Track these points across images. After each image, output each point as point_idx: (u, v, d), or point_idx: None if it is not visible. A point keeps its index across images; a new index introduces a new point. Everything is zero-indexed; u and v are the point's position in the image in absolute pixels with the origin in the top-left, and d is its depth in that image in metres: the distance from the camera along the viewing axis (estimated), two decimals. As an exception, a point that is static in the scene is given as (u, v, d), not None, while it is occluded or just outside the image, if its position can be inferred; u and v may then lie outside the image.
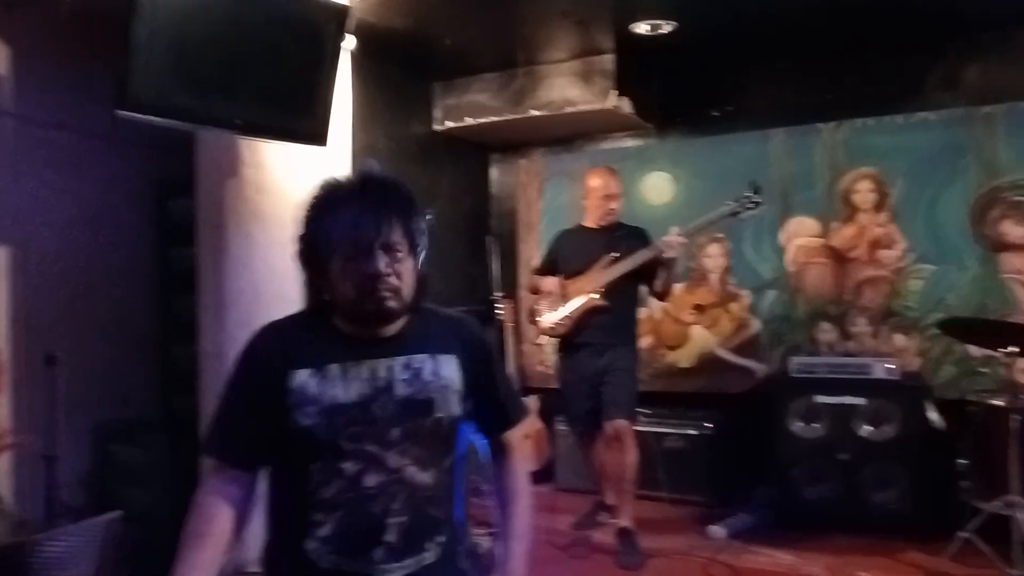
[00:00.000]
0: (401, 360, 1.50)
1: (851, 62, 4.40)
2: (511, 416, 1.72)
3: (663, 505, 4.36)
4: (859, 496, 3.81)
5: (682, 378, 4.86)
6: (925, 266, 4.26)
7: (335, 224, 1.45)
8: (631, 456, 3.72)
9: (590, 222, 4.02)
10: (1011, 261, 4.08)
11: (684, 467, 4.40)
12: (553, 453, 4.89)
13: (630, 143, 5.05)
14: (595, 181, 3.98)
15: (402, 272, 1.46)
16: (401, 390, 1.48)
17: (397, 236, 1.45)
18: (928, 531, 3.65)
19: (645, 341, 4.92)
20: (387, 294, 1.45)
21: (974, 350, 4.12)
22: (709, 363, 4.80)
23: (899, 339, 4.32)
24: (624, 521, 3.71)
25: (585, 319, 3.88)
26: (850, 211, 4.45)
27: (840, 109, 4.45)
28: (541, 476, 4.83)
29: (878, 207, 4.38)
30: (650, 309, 4.89)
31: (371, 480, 1.44)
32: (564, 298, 3.92)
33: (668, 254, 3.68)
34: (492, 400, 1.66)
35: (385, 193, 1.48)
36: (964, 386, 4.11)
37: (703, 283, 4.83)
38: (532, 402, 4.99)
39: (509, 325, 5.02)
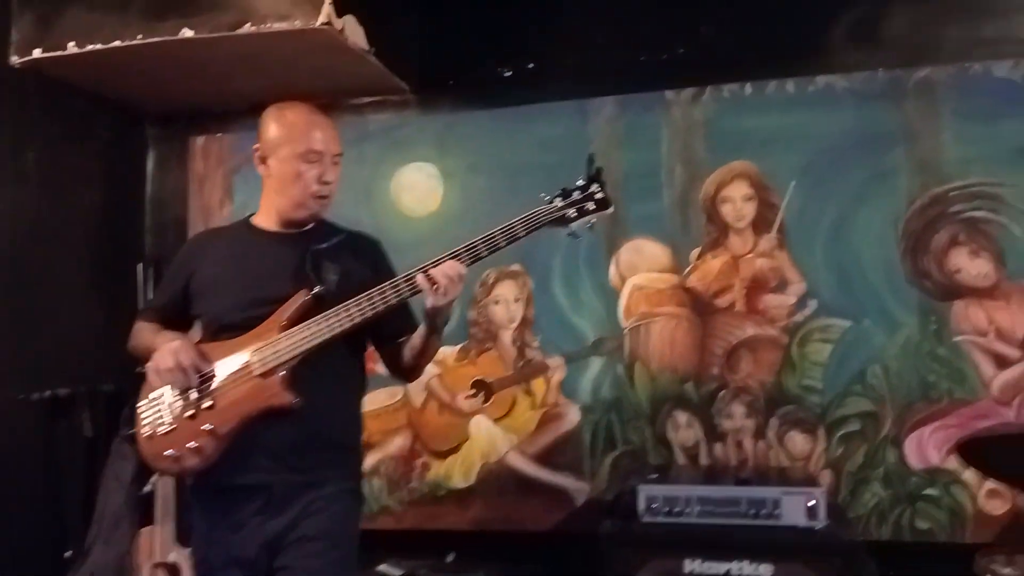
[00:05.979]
0: None
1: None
2: None
3: None
4: None
5: (454, 506, 2.93)
6: (834, 321, 2.67)
7: None
8: None
9: (267, 218, 1.95)
10: (967, 314, 2.57)
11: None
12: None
13: (374, 117, 3.11)
14: (288, 117, 1.92)
15: None
16: None
17: None
18: None
19: (398, 442, 2.99)
20: None
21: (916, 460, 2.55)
22: (498, 480, 2.91)
23: (797, 440, 2.68)
24: None
25: (246, 431, 1.82)
26: (716, 232, 2.79)
27: (699, 69, 2.83)
28: None
29: (758, 226, 2.76)
30: (402, 388, 2.96)
31: None
32: (203, 380, 1.84)
33: (435, 299, 1.75)
34: None
35: None
36: (901, 518, 2.55)
37: (489, 346, 2.96)
38: None
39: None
